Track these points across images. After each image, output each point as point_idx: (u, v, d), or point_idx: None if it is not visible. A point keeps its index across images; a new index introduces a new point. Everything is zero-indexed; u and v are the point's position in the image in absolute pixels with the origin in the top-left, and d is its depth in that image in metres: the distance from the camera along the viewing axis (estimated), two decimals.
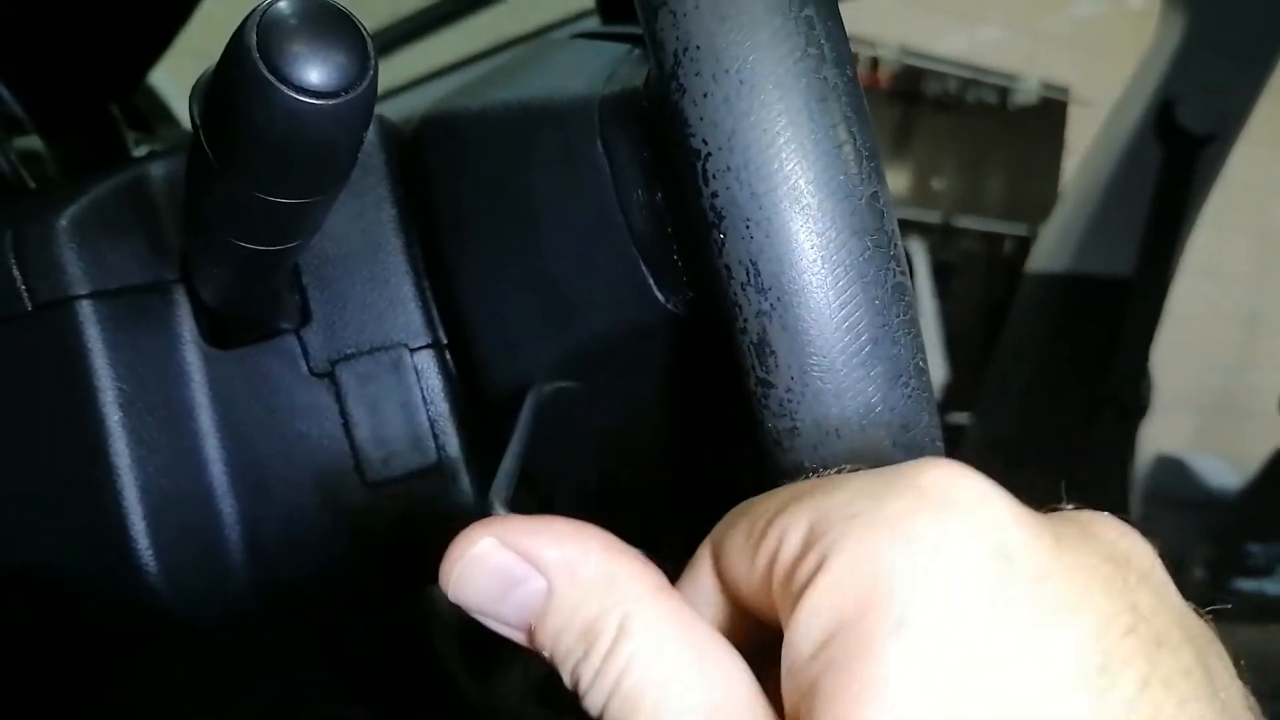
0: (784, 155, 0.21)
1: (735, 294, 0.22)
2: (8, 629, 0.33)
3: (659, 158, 0.26)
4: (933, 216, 2.54)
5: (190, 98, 0.23)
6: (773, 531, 0.18)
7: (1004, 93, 2.70)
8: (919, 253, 2.40)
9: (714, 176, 0.22)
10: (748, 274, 0.22)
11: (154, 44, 0.57)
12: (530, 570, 0.19)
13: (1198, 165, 1.25)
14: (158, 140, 0.90)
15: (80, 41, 0.55)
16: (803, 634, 0.17)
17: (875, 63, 2.41)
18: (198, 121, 0.22)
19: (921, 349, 0.22)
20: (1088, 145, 1.35)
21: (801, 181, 0.21)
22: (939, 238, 2.53)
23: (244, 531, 0.32)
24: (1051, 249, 1.34)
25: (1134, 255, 1.29)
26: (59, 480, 0.31)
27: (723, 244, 0.22)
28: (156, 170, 0.33)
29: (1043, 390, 1.32)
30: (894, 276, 0.22)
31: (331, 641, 0.58)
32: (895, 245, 0.22)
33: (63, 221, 0.31)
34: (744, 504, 0.20)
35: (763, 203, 0.21)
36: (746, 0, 0.21)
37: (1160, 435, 1.87)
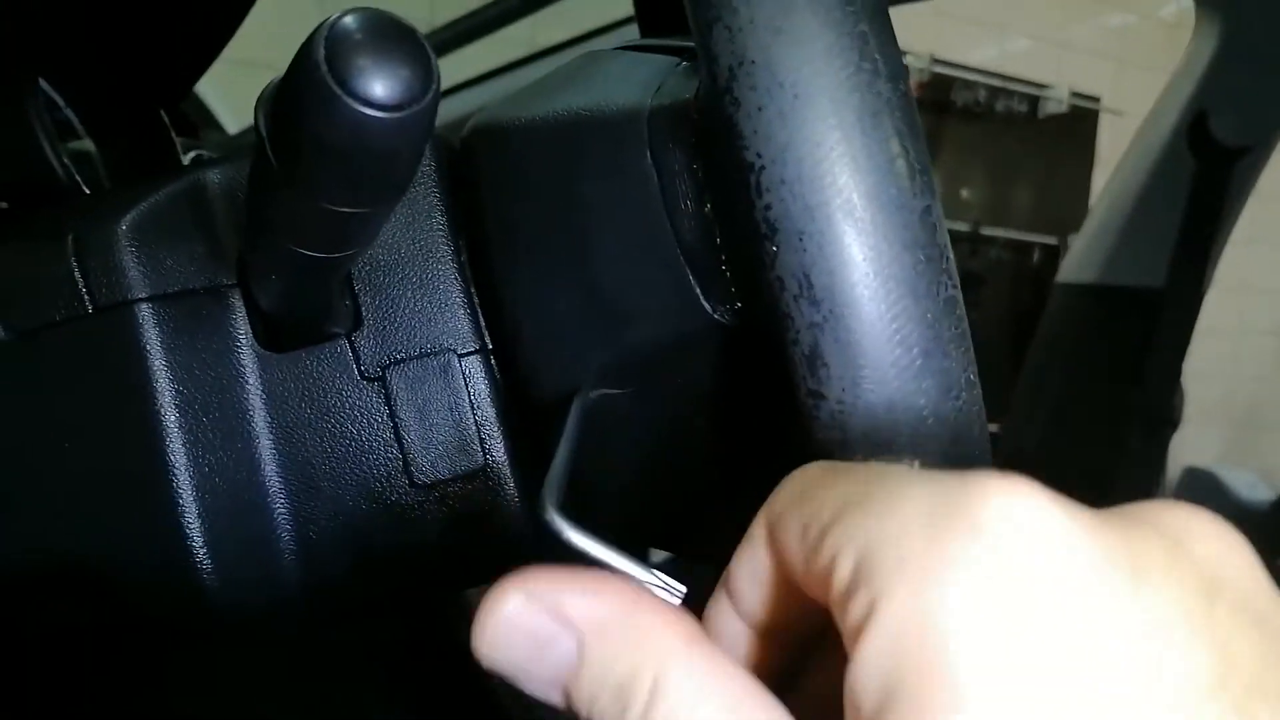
0: (837, 169, 0.21)
1: (787, 306, 0.23)
2: (63, 624, 0.34)
3: (709, 170, 0.27)
4: (961, 226, 2.53)
5: (255, 108, 0.23)
6: (825, 549, 0.17)
7: (1034, 102, 2.69)
8: None
9: (767, 189, 0.22)
10: (800, 286, 0.22)
11: (205, 52, 0.58)
12: (560, 629, 0.19)
13: (1231, 178, 1.24)
14: (203, 144, 0.91)
15: (132, 48, 0.57)
16: (861, 686, 0.15)
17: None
18: (263, 132, 0.23)
19: (972, 363, 0.22)
20: (1121, 156, 1.34)
21: (855, 195, 0.21)
22: (967, 247, 2.52)
23: (294, 531, 0.33)
24: (1082, 260, 1.34)
25: (1166, 267, 1.29)
26: (116, 478, 0.32)
27: (775, 256, 0.22)
28: (213, 177, 0.34)
29: (1072, 402, 1.32)
30: (946, 290, 0.22)
31: (369, 644, 0.59)
32: (947, 259, 0.22)
33: (123, 226, 0.32)
34: (800, 483, 0.19)
35: (816, 216, 0.22)
36: (801, 16, 0.21)
37: (1190, 448, 1.85)
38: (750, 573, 0.20)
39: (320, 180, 0.22)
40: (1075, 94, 2.73)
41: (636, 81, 0.31)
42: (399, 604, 0.40)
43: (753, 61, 0.22)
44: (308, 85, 0.20)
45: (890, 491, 0.17)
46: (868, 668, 0.15)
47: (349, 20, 0.20)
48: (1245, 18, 1.18)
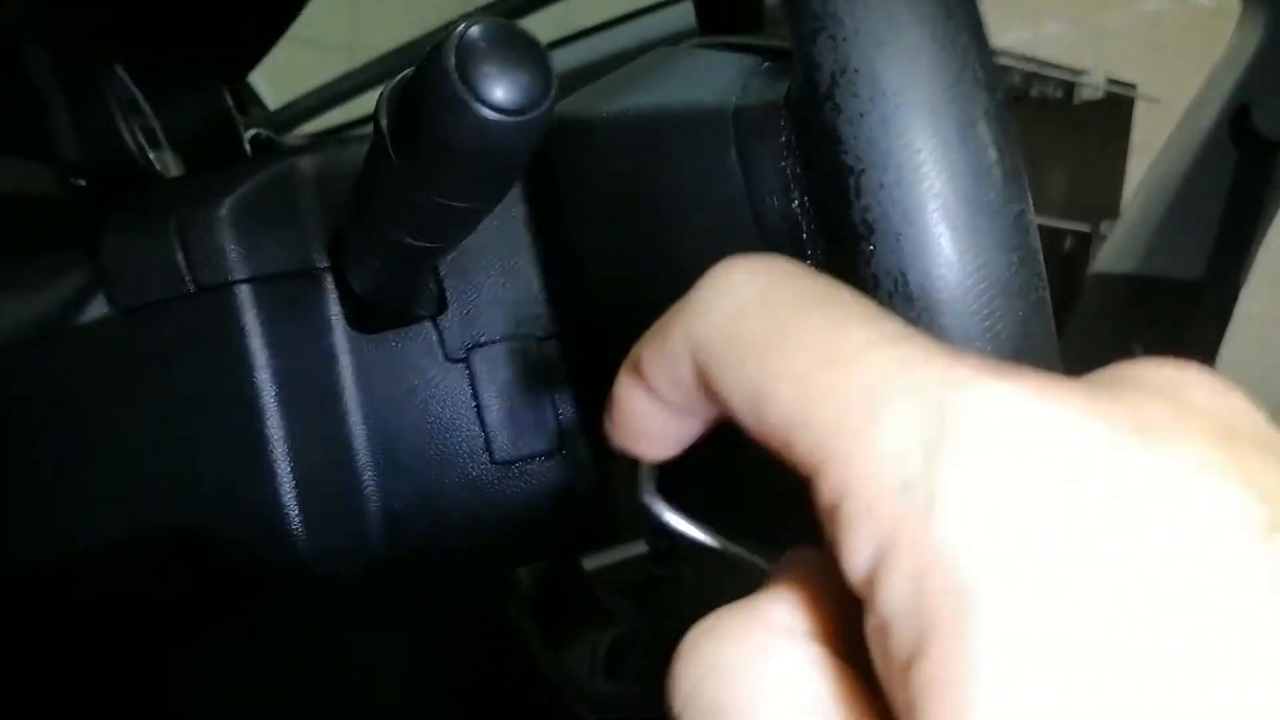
0: (935, 174, 0.22)
1: (881, 302, 0.24)
2: (169, 587, 0.36)
3: (800, 168, 0.28)
4: None
5: (377, 107, 0.25)
6: (793, 448, 0.15)
7: (1069, 88, 2.67)
8: None
9: (866, 192, 0.23)
10: (896, 284, 0.23)
11: (271, 30, 0.60)
12: None
13: (1273, 171, 1.24)
14: (250, 120, 0.93)
15: (201, 29, 0.58)
16: (893, 641, 0.14)
17: None
18: (384, 129, 0.24)
19: (1058, 364, 0.23)
20: (1160, 145, 1.33)
21: (952, 199, 0.22)
22: None
23: (381, 500, 0.35)
24: (1120, 250, 1.34)
25: (1204, 259, 1.28)
26: (217, 450, 0.33)
27: (872, 255, 0.23)
28: (304, 163, 0.35)
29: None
30: (1037, 291, 0.23)
31: (415, 608, 0.61)
32: (1038, 261, 0.23)
33: (223, 210, 0.33)
34: (739, 324, 0.16)
35: (913, 218, 0.23)
36: (906, 28, 0.22)
37: None
38: (671, 382, 0.18)
39: (440, 177, 0.23)
40: (1111, 80, 2.71)
41: (719, 81, 0.32)
42: (473, 573, 0.41)
43: (856, 70, 0.23)
44: (437, 89, 0.22)
45: (869, 388, 0.15)
46: (895, 621, 0.13)
47: (476, 30, 0.21)
48: None
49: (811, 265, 0.29)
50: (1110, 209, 2.50)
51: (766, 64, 0.32)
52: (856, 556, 0.14)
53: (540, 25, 1.32)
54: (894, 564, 0.13)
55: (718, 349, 0.17)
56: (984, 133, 0.23)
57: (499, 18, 0.22)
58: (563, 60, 1.29)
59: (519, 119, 0.22)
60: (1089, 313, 1.33)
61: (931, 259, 0.23)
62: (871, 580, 0.14)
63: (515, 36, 0.22)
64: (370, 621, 0.56)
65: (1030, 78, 2.58)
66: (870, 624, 0.14)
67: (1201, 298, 1.25)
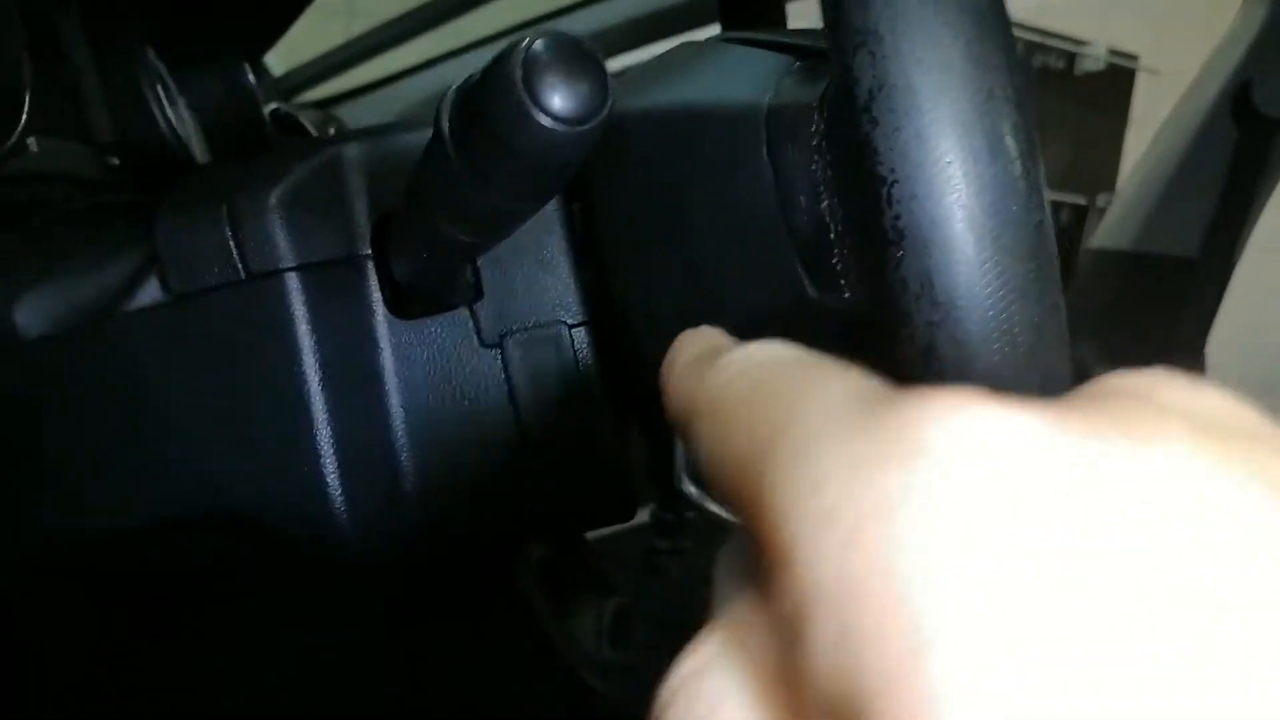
0: (964, 186, 0.24)
1: (908, 304, 0.25)
2: (218, 560, 0.38)
3: (831, 171, 0.29)
4: None
5: (439, 110, 0.26)
6: (738, 492, 0.15)
7: (1071, 58, 2.66)
8: None
9: (898, 201, 0.25)
10: (922, 288, 0.25)
11: (293, 6, 0.60)
12: None
13: (1272, 149, 1.25)
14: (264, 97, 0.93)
15: (225, 6, 0.59)
16: (821, 689, 0.12)
17: None
18: (445, 131, 0.26)
19: (1066, 358, 0.25)
20: (1160, 121, 1.34)
21: (979, 211, 0.24)
22: None
23: (418, 479, 0.36)
24: (1116, 226, 1.35)
25: (1199, 237, 1.30)
26: (264, 430, 0.35)
27: (900, 260, 0.25)
28: (349, 152, 0.36)
29: (1099, 368, 1.34)
30: (1052, 296, 0.25)
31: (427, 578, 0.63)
32: (1054, 266, 0.25)
33: (273, 199, 0.34)
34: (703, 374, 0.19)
35: (942, 227, 0.24)
36: (944, 48, 0.24)
37: None
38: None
39: (499, 179, 0.25)
40: (1113, 51, 2.70)
41: (753, 79, 0.33)
42: (504, 549, 0.43)
43: (894, 86, 0.24)
44: (503, 98, 0.23)
45: (807, 420, 0.14)
46: (821, 665, 0.12)
47: (540, 44, 0.23)
48: None
49: (838, 264, 0.31)
50: (1106, 182, 2.50)
51: (799, 65, 0.34)
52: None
53: None
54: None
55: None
56: (1010, 147, 0.24)
57: (562, 31, 0.24)
58: (580, 23, 1.30)
59: (578, 129, 0.23)
60: (1085, 287, 1.35)
61: (957, 265, 0.24)
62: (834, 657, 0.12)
63: (577, 50, 0.23)
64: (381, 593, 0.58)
65: (1033, 48, 2.57)
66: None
67: (1194, 275, 1.27)
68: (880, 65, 0.24)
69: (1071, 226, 2.65)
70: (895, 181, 0.25)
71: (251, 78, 0.64)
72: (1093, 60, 2.69)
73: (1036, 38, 2.60)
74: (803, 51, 0.33)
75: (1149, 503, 0.12)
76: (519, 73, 0.23)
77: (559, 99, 0.23)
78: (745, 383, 0.17)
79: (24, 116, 0.43)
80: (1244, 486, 0.12)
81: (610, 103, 0.24)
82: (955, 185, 0.24)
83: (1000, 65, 0.24)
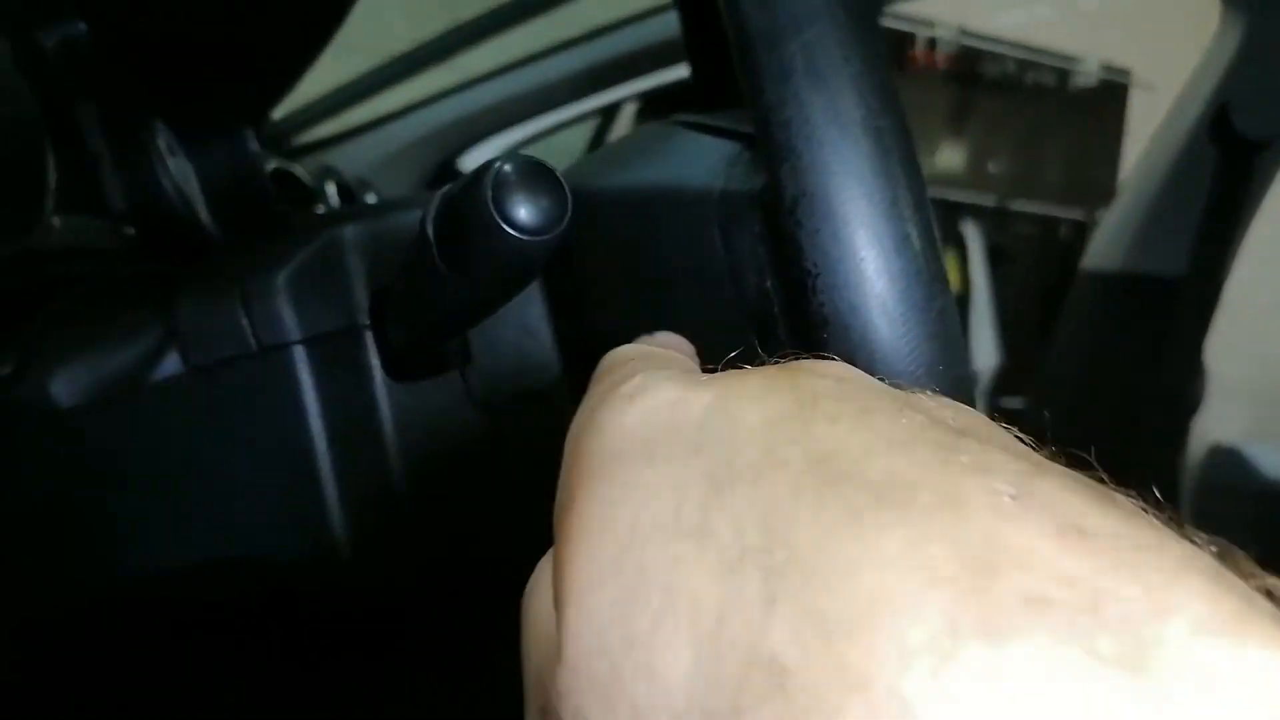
0: (876, 279, 0.28)
1: None
2: (231, 611, 0.41)
3: (772, 256, 0.33)
4: (988, 200, 2.56)
5: (424, 219, 0.30)
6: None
7: (1063, 75, 2.70)
8: (974, 237, 2.43)
9: (821, 291, 0.28)
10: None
11: (291, 75, 0.64)
12: None
13: (1252, 170, 1.28)
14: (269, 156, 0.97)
15: (232, 74, 0.63)
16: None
17: (933, 44, 2.42)
18: (431, 239, 0.30)
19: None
20: (1146, 144, 1.37)
21: (889, 300, 0.28)
22: (994, 221, 2.55)
23: (418, 527, 0.40)
24: (1107, 247, 1.38)
25: (1187, 256, 1.32)
26: (277, 487, 0.39)
27: (825, 341, 0.29)
28: (347, 233, 0.40)
29: (1094, 388, 1.36)
30: (957, 369, 0.28)
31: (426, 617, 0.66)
32: (958, 343, 0.29)
33: (280, 280, 0.38)
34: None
35: (859, 314, 0.28)
36: (850, 160, 0.28)
37: (1217, 425, 1.87)
38: None
39: (478, 280, 0.29)
40: (1106, 67, 2.74)
41: (707, 163, 0.37)
42: (500, 590, 0.47)
43: (813, 194, 0.28)
44: (476, 213, 0.27)
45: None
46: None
47: (508, 168, 0.27)
48: (1268, 16, 1.21)
49: (784, 335, 0.34)
50: (1105, 197, 2.53)
51: (747, 155, 0.37)
52: None
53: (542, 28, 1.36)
54: None
55: None
56: (914, 245, 0.28)
57: (527, 155, 0.28)
58: (563, 65, 1.34)
59: (541, 238, 0.27)
60: (1077, 310, 1.38)
61: (873, 346, 0.28)
62: None
63: (539, 171, 0.27)
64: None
65: (1025, 65, 2.61)
66: None
67: (1183, 295, 1.30)
68: (800, 176, 0.28)
69: (1071, 242, 2.67)
70: (818, 275, 0.28)
71: (255, 144, 0.68)
72: (1085, 76, 2.73)
73: (1028, 55, 2.63)
74: (750, 139, 0.37)
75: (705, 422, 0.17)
76: (489, 192, 0.27)
77: (524, 213, 0.27)
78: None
79: (50, 203, 0.47)
80: (780, 397, 0.16)
81: (571, 213, 0.28)
82: (868, 278, 0.28)
83: (900, 173, 0.28)
